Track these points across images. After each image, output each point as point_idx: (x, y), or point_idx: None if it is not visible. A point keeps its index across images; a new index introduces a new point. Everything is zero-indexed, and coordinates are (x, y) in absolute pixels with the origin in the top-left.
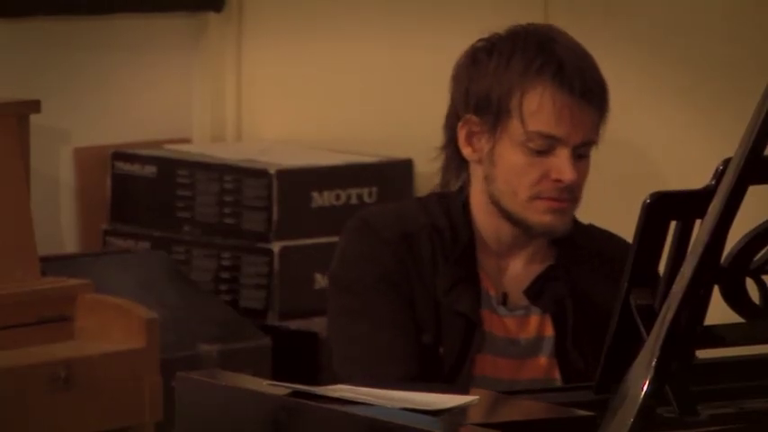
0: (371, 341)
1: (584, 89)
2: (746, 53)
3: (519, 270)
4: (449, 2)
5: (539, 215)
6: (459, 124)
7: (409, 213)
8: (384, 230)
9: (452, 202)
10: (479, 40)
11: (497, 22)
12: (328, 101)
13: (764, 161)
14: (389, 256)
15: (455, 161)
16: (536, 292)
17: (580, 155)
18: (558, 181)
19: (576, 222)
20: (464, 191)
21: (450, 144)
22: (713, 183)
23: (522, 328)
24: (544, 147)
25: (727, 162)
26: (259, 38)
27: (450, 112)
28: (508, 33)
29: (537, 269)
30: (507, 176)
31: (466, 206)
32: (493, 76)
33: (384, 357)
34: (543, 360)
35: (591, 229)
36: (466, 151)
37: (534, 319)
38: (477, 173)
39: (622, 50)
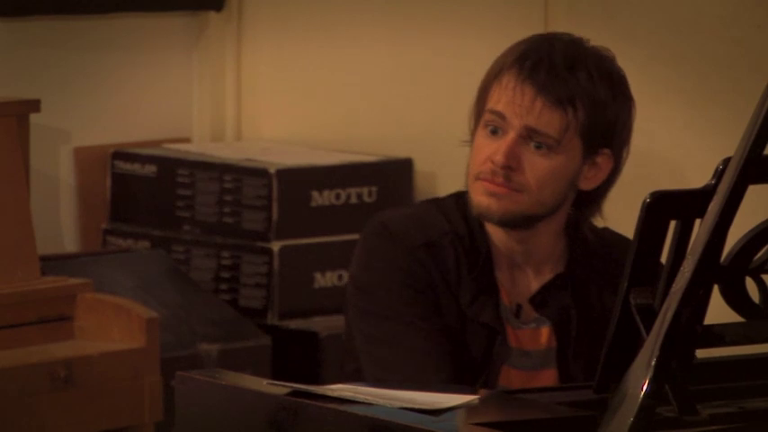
0: (405, 347)
1: (545, 81)
2: (746, 53)
3: (531, 280)
4: (449, 2)
5: (477, 196)
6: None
7: (429, 219)
8: (407, 238)
9: (469, 207)
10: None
11: (497, 23)
12: (328, 100)
13: (764, 161)
14: (414, 263)
15: None
16: (541, 301)
17: (537, 146)
18: (492, 161)
19: (590, 227)
20: None
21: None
22: (713, 182)
23: (533, 341)
24: (493, 124)
25: (726, 161)
26: (259, 37)
27: None
28: (535, 36)
29: (546, 278)
30: (470, 158)
31: None
32: (489, 70)
33: (422, 363)
34: (552, 372)
35: (605, 233)
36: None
37: (545, 331)
38: None
39: (622, 50)
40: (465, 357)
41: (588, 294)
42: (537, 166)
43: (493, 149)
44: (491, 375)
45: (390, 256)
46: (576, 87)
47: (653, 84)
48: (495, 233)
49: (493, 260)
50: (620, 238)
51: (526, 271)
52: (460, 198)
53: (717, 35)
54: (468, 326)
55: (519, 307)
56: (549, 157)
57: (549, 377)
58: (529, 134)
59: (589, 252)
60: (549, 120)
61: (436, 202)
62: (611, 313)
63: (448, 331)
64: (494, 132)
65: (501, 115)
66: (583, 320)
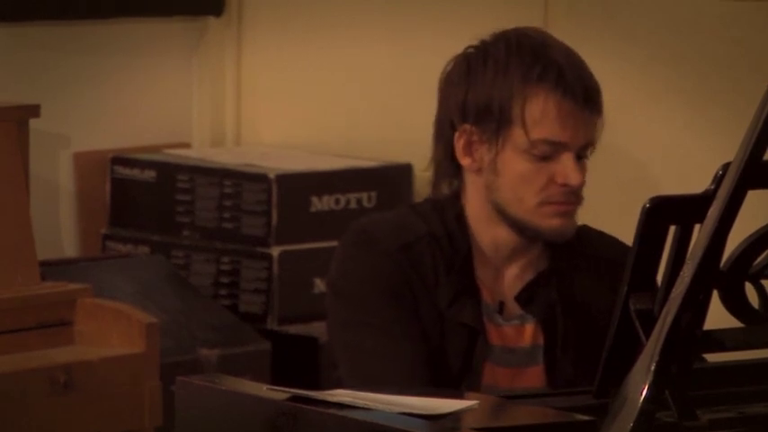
0: (383, 354)
1: (585, 94)
2: (746, 54)
3: (514, 278)
4: (449, 5)
5: (548, 220)
6: (456, 134)
7: (406, 222)
8: (384, 242)
9: (447, 211)
10: (469, 47)
11: (498, 24)
12: (328, 105)
13: (764, 166)
14: (391, 267)
15: (447, 170)
16: (527, 298)
17: (580, 156)
18: (565, 185)
19: None
20: (458, 199)
21: (443, 153)
22: (712, 187)
23: (518, 337)
24: (549, 153)
25: (726, 166)
26: (258, 42)
27: (441, 121)
28: (498, 39)
29: (530, 275)
30: (513, 184)
31: (461, 215)
32: (492, 85)
33: (401, 369)
34: (539, 369)
35: (586, 230)
36: (465, 162)
37: (530, 328)
38: (475, 182)
39: (622, 51)
40: (446, 359)
41: (572, 290)
42: (585, 171)
43: (551, 172)
44: (474, 375)
45: (367, 261)
46: (595, 81)
47: (653, 84)
48: (488, 235)
49: (473, 260)
50: (598, 234)
51: (511, 269)
52: (437, 202)
53: (717, 35)
54: (447, 327)
55: (502, 304)
56: (587, 159)
57: (535, 374)
58: (583, 149)
59: (570, 248)
60: (594, 127)
61: (413, 207)
62: (598, 307)
63: (427, 334)
64: (545, 158)
65: (560, 144)
66: (568, 316)
